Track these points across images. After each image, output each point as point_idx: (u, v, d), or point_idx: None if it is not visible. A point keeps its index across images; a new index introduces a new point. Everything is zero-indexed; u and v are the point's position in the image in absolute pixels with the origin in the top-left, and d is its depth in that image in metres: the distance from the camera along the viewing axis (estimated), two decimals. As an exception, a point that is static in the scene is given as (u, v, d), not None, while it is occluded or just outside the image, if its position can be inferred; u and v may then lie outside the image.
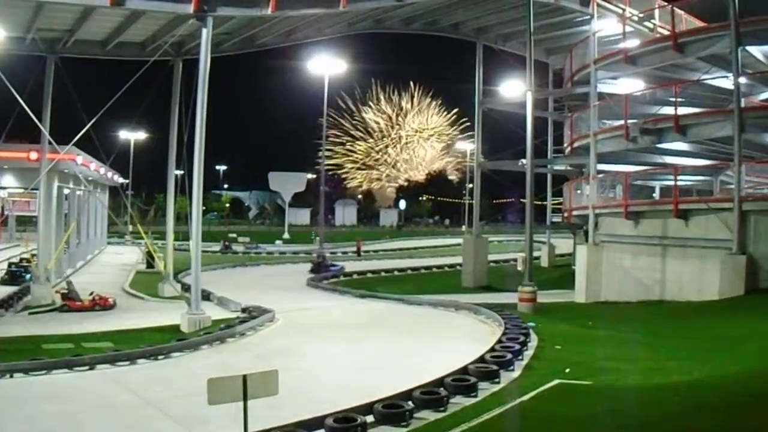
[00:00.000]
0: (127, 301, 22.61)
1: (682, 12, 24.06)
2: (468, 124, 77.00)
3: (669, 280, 20.88)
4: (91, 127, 19.23)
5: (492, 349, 12.84)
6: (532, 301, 20.04)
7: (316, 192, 62.06)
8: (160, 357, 13.30)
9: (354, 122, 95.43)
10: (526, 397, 10.10)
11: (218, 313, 18.94)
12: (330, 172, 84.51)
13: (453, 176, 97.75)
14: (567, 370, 11.68)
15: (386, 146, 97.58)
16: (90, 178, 32.59)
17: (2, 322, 18.12)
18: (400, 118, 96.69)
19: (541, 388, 10.51)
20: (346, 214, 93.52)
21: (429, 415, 9.45)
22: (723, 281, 18.25)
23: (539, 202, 32.75)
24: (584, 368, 11.91)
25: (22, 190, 31.78)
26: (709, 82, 22.69)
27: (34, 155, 23.52)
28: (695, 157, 24.99)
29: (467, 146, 67.50)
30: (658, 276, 21.20)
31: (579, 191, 27.69)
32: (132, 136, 52.44)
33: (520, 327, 15.24)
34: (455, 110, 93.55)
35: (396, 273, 34.20)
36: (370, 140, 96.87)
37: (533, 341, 14.36)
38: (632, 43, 24.12)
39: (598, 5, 25.28)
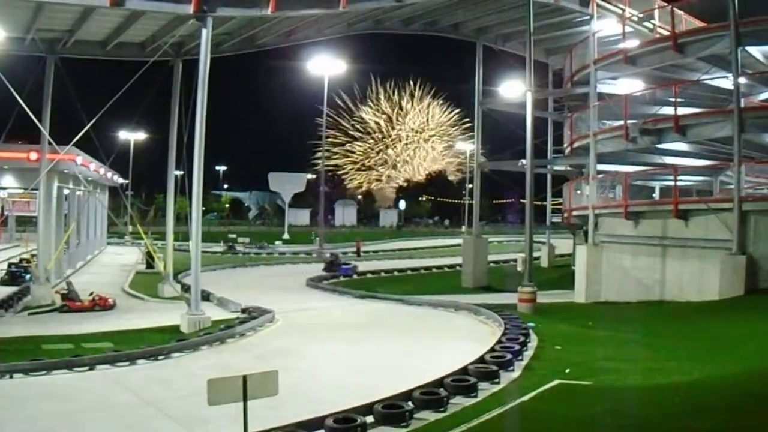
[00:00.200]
0: (126, 302, 22.61)
1: (682, 12, 24.06)
2: (470, 124, 76.77)
3: (669, 280, 20.88)
4: (91, 127, 19.22)
5: (492, 350, 12.84)
6: (531, 301, 20.04)
7: (316, 192, 62.09)
8: (160, 357, 13.30)
9: (353, 123, 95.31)
10: (526, 398, 10.09)
11: (218, 313, 18.94)
12: (329, 173, 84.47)
13: (453, 177, 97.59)
14: (567, 371, 11.68)
15: (386, 147, 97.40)
16: (90, 179, 32.59)
17: (2, 322, 18.13)
18: (399, 118, 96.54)
19: (541, 389, 10.51)
20: (345, 215, 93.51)
21: (429, 416, 9.44)
22: (723, 281, 18.25)
23: (539, 203, 32.78)
24: (584, 368, 11.90)
25: (21, 191, 31.77)
26: (709, 82, 22.69)
27: (33, 155, 23.51)
28: (695, 157, 25.00)
29: (467, 146, 67.52)
30: (658, 276, 21.20)
31: (579, 191, 27.69)
32: (132, 136, 52.50)
33: (519, 327, 15.24)
34: (456, 111, 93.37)
35: (396, 273, 34.21)
36: (370, 140, 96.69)
37: (533, 341, 14.36)
38: (632, 44, 24.12)
39: (598, 5, 25.28)
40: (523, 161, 24.30)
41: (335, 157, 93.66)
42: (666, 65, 22.83)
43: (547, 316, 18.87)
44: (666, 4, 25.84)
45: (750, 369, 10.78)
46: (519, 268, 29.96)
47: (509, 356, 12.25)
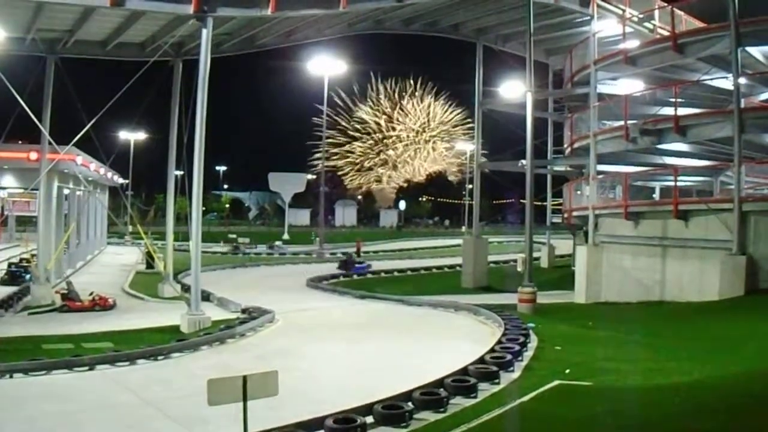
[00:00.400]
0: (126, 302, 22.61)
1: (682, 12, 24.06)
2: (471, 125, 76.68)
3: (669, 280, 20.88)
4: (91, 127, 19.22)
5: (492, 350, 12.84)
6: (531, 301, 20.04)
7: (316, 192, 62.07)
8: (159, 357, 13.30)
9: (353, 123, 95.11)
10: (525, 398, 10.09)
11: (218, 313, 18.94)
12: (329, 174, 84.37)
13: (453, 177, 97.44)
14: (567, 371, 11.67)
15: (386, 147, 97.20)
16: (90, 179, 32.59)
17: (2, 322, 18.13)
18: (400, 118, 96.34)
19: (541, 389, 10.50)
20: (346, 215, 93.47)
21: (429, 416, 9.44)
22: (723, 282, 18.25)
23: (539, 203, 32.79)
24: (584, 369, 11.90)
25: (22, 191, 31.77)
26: (709, 82, 22.69)
27: (34, 155, 23.52)
28: (695, 157, 25.00)
29: (468, 147, 67.48)
30: (658, 276, 21.20)
31: (579, 192, 27.69)
32: (132, 136, 52.49)
33: (519, 328, 15.23)
34: (460, 110, 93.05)
35: (396, 274, 34.24)
36: (370, 141, 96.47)
37: (533, 342, 14.36)
38: (632, 44, 24.11)
39: (598, 6, 25.28)
40: (523, 162, 24.30)
41: (335, 157, 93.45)
42: (666, 66, 22.83)
43: (547, 316, 18.87)
44: (666, 4, 25.84)
45: (750, 369, 10.78)
46: (519, 269, 29.95)
47: (509, 357, 12.25)
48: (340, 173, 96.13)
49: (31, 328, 16.92)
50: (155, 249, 27.47)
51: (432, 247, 53.68)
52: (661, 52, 22.37)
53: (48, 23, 19.59)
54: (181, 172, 23.19)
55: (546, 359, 12.92)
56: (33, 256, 24.65)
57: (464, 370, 11.27)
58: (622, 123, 22.95)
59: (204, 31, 16.69)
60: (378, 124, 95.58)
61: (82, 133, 19.34)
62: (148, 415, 9.72)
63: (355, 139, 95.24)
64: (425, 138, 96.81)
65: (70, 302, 20.25)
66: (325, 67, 43.00)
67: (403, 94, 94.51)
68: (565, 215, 29.89)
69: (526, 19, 22.48)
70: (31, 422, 9.31)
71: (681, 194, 22.02)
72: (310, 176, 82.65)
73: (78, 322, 17.86)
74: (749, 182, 22.05)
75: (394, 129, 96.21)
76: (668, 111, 22.24)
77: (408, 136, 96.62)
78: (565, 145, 29.64)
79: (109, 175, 38.23)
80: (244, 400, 6.94)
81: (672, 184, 22.70)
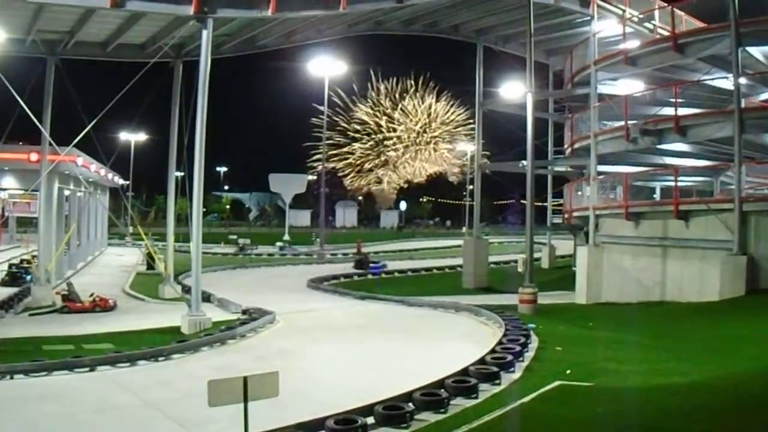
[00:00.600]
0: (127, 303, 22.61)
1: (682, 13, 24.07)
2: (474, 126, 76.58)
3: (669, 281, 20.88)
4: (92, 128, 19.23)
5: (492, 351, 12.82)
6: (532, 302, 20.03)
7: (317, 193, 62.08)
8: (160, 358, 13.29)
9: (352, 124, 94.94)
10: (526, 399, 10.08)
11: (219, 314, 18.92)
12: (329, 175, 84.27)
13: (453, 178, 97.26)
14: (568, 372, 11.66)
15: (386, 148, 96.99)
16: (90, 180, 32.60)
17: (2, 323, 18.12)
18: (401, 119, 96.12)
19: (542, 390, 10.49)
20: (346, 216, 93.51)
21: (429, 417, 9.43)
22: (723, 282, 18.25)
23: (540, 203, 32.80)
24: (585, 369, 11.89)
25: (22, 192, 31.78)
26: (709, 82, 22.71)
27: (34, 157, 23.51)
28: (695, 157, 25.00)
29: (468, 147, 67.40)
30: (659, 277, 21.19)
31: (579, 192, 27.70)
32: (132, 137, 52.50)
33: (520, 328, 15.22)
34: (463, 109, 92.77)
35: (396, 274, 34.24)
36: (370, 142, 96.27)
37: (534, 342, 14.33)
38: (632, 44, 24.12)
39: (598, 6, 25.29)
40: (524, 162, 24.29)
41: (334, 159, 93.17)
42: (666, 66, 22.84)
43: (548, 317, 18.86)
44: (666, 4, 25.86)
45: (751, 370, 10.77)
46: (520, 269, 30.00)
47: (510, 357, 12.23)
48: (340, 174, 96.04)
49: (31, 329, 16.91)
50: (156, 250, 27.48)
51: (433, 248, 53.68)
52: (661, 53, 22.38)
53: (48, 24, 19.60)
54: (182, 173, 23.20)
55: (547, 360, 12.91)
56: (33, 257, 24.66)
57: (465, 371, 11.26)
58: (622, 123, 22.96)
59: (204, 32, 16.68)
60: (378, 125, 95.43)
61: (82, 134, 19.35)
62: (149, 416, 9.71)
63: (355, 140, 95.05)
64: (426, 139, 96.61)
65: (70, 303, 20.25)
66: (325, 67, 43.03)
67: (404, 94, 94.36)
68: (566, 216, 29.90)
69: (526, 19, 22.48)
70: (32, 423, 9.31)
71: (681, 194, 22.02)
72: (310, 177, 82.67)
73: (78, 323, 17.85)
74: (750, 182, 22.08)
75: (394, 130, 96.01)
76: (668, 111, 22.26)
77: (409, 137, 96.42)
78: (566, 146, 29.65)
79: (110, 176, 38.25)
80: (245, 401, 6.94)
81: (672, 184, 22.69)
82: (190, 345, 14.27)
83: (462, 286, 28.36)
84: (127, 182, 54.58)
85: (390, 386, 10.33)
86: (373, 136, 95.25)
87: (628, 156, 24.52)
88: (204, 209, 28.08)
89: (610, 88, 25.32)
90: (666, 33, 24.27)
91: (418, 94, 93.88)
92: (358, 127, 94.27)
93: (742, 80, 20.50)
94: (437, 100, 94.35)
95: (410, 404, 9.49)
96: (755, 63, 21.70)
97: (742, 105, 19.91)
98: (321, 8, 18.70)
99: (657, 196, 28.85)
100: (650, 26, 26.25)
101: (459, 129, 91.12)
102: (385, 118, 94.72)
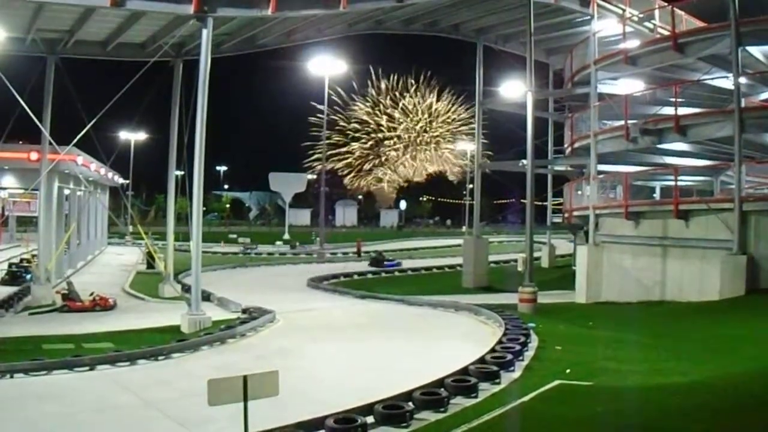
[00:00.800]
0: (127, 302, 22.62)
1: (683, 12, 24.06)
2: (472, 125, 76.41)
3: (669, 280, 20.88)
4: (92, 127, 19.23)
5: (492, 350, 12.82)
6: (532, 301, 20.03)
7: (317, 192, 62.04)
8: (160, 358, 13.29)
9: (352, 124, 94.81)
10: (526, 398, 10.08)
11: (218, 313, 18.93)
12: (329, 174, 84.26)
13: (453, 177, 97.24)
14: (567, 371, 11.67)
15: (386, 148, 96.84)
16: (90, 179, 32.61)
17: (2, 322, 18.13)
18: (401, 119, 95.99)
19: (542, 389, 10.50)
20: (346, 215, 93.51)
21: (429, 416, 9.43)
22: (723, 282, 18.25)
23: (540, 203, 32.79)
24: (585, 369, 11.89)
25: (22, 191, 31.79)
26: (710, 82, 22.70)
27: (34, 156, 23.52)
28: (695, 157, 24.99)
29: (468, 146, 67.39)
30: (659, 276, 21.19)
31: (579, 192, 27.69)
32: (132, 136, 52.52)
33: (520, 328, 15.22)
34: (463, 111, 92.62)
35: (396, 274, 34.28)
36: (370, 142, 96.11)
37: (534, 342, 14.34)
38: (632, 44, 24.11)
39: (599, 6, 25.28)
40: (524, 161, 24.29)
41: (333, 159, 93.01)
42: (666, 65, 22.83)
43: (548, 316, 18.86)
44: (666, 4, 25.85)
45: (750, 369, 10.77)
46: (519, 269, 29.99)
47: (510, 356, 12.24)
48: (339, 174, 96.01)
49: (31, 328, 16.91)
50: (156, 249, 27.48)
51: (432, 247, 53.69)
52: (661, 52, 22.36)
53: (48, 23, 19.59)
54: (182, 172, 23.19)
55: (546, 359, 12.91)
56: (33, 256, 24.67)
57: (465, 370, 11.26)
58: (622, 123, 22.95)
59: (204, 32, 16.68)
60: (378, 124, 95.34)
61: (82, 133, 19.35)
62: (149, 415, 9.71)
63: (355, 140, 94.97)
64: (427, 139, 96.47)
65: (70, 302, 20.26)
66: (325, 66, 43.02)
67: (405, 93, 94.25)
68: (566, 215, 29.90)
69: (526, 18, 22.48)
70: (31, 422, 9.31)
71: (681, 194, 22.01)
72: (310, 176, 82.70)
73: (78, 322, 17.85)
74: (750, 182, 22.08)
75: (395, 129, 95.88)
76: (668, 111, 22.25)
77: (409, 138, 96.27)
78: (566, 145, 29.64)
79: (110, 175, 38.25)
80: (245, 400, 6.94)
81: (672, 183, 22.69)
82: (190, 344, 14.27)
83: (462, 286, 28.36)
84: (127, 181, 54.67)
85: (390, 385, 10.33)
86: (372, 135, 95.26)
87: (628, 155, 24.51)
88: (204, 208, 28.07)
89: (610, 88, 25.31)
90: (666, 32, 24.26)
91: (418, 94, 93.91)
92: (358, 126, 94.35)
93: (742, 80, 20.48)
94: (438, 99, 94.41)
95: (410, 403, 9.49)
96: (755, 63, 21.69)
97: (742, 105, 19.89)
98: (321, 7, 18.70)
99: (657, 195, 28.85)
100: (650, 26, 26.24)
101: (461, 128, 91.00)
102: (385, 117, 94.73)
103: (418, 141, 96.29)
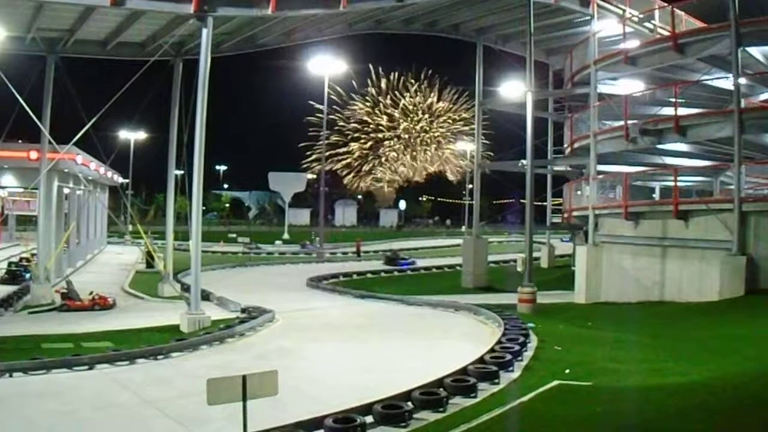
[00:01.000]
0: (126, 301, 22.62)
1: (682, 13, 24.07)
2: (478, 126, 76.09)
3: (669, 280, 20.89)
4: (91, 126, 19.24)
5: (491, 350, 12.83)
6: (531, 301, 20.04)
7: (316, 192, 62.04)
8: (159, 357, 13.30)
9: (352, 124, 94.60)
10: (525, 398, 10.09)
11: (218, 313, 18.94)
12: (328, 174, 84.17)
13: (453, 176, 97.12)
14: (567, 371, 11.67)
15: (386, 148, 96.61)
16: (90, 178, 32.59)
17: (2, 321, 18.15)
18: (401, 119, 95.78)
19: (541, 389, 10.50)
20: (346, 215, 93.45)
21: (428, 416, 9.44)
22: (723, 282, 18.26)
23: (539, 203, 32.79)
24: (584, 369, 11.90)
25: (22, 190, 31.79)
26: (709, 82, 22.70)
27: (34, 155, 23.55)
28: (695, 157, 25.00)
29: (468, 146, 67.34)
30: (658, 277, 21.21)
31: (579, 192, 27.70)
32: (132, 135, 52.49)
33: (519, 328, 15.22)
34: (464, 110, 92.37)
35: (396, 273, 34.27)
36: (369, 142, 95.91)
37: (533, 342, 14.34)
38: (632, 44, 24.11)
39: (599, 6, 25.28)
40: (524, 162, 24.30)
41: (332, 160, 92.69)
42: (666, 66, 22.84)
43: (547, 316, 18.87)
44: (666, 4, 25.85)
45: (750, 370, 10.78)
46: (519, 269, 30.01)
47: (509, 356, 12.24)
48: (339, 174, 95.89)
49: (30, 327, 16.91)
50: (155, 248, 27.47)
51: (432, 247, 53.70)
52: (661, 52, 22.37)
53: (48, 22, 19.58)
54: (181, 172, 23.19)
55: (546, 359, 12.91)
56: (33, 255, 24.67)
57: (464, 370, 11.27)
58: (622, 123, 22.94)
59: (204, 31, 16.69)
60: (378, 124, 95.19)
61: (82, 132, 19.36)
62: (148, 414, 9.71)
63: (354, 140, 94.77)
64: (427, 139, 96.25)
65: (69, 301, 20.26)
66: (325, 66, 43.03)
67: (405, 93, 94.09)
68: (565, 215, 29.90)
69: (526, 18, 22.48)
70: (31, 421, 9.31)
71: (681, 194, 22.02)
72: (310, 176, 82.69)
73: (78, 321, 17.85)
74: (749, 182, 22.08)
75: (395, 129, 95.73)
76: (668, 111, 22.25)
77: (409, 138, 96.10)
78: (565, 145, 29.64)
79: (109, 174, 38.25)
80: (244, 399, 6.94)
81: (672, 184, 22.70)
82: (189, 343, 14.26)
83: (461, 285, 28.38)
84: (127, 180, 54.62)
85: (389, 385, 10.34)
86: (372, 135, 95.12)
87: (627, 156, 24.51)
88: (203, 208, 28.06)
89: (610, 88, 25.32)
90: (666, 33, 24.27)
91: (419, 94, 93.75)
92: (357, 126, 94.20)
93: (742, 80, 20.49)
94: (439, 99, 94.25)
95: (409, 403, 9.49)
96: (755, 63, 21.71)
97: (742, 105, 19.91)
98: (321, 7, 18.71)
99: (656, 196, 28.85)
100: (650, 26, 26.24)
101: (463, 128, 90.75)
102: (385, 116, 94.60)
103: (418, 141, 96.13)
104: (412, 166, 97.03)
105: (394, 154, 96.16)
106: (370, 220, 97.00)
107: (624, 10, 26.28)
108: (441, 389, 10.21)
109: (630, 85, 25.38)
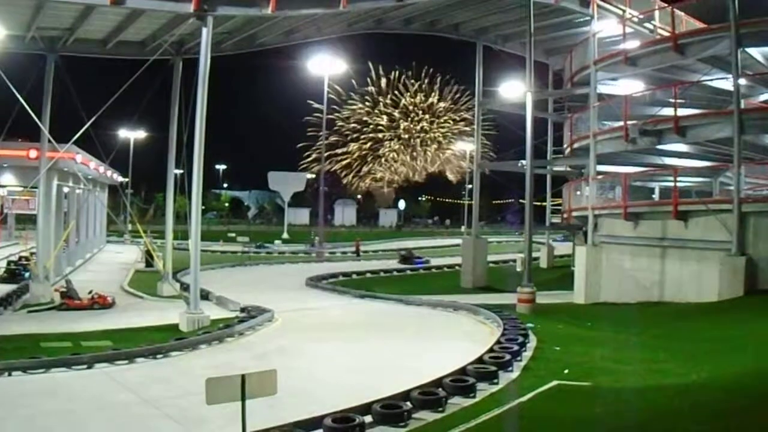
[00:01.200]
0: (125, 300, 22.59)
1: (682, 13, 24.07)
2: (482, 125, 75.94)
3: (668, 281, 20.89)
4: (91, 125, 19.22)
5: (490, 350, 12.84)
6: (531, 301, 20.03)
7: (316, 192, 62.01)
8: (158, 356, 13.31)
9: (352, 125, 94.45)
10: (524, 398, 10.10)
11: (217, 312, 18.94)
12: (327, 174, 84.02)
13: (452, 176, 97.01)
14: (566, 371, 11.68)
15: (386, 149, 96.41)
16: (89, 177, 32.56)
17: (1, 320, 18.13)
18: (402, 119, 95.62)
19: (540, 389, 10.51)
20: (345, 214, 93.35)
21: (427, 416, 9.45)
22: (722, 282, 18.26)
23: (539, 203, 32.79)
24: (583, 369, 11.91)
25: (21, 189, 31.75)
26: (709, 83, 22.71)
27: (33, 153, 23.51)
28: (695, 158, 25.01)
29: (468, 146, 67.29)
30: (658, 277, 21.21)
31: (578, 192, 27.69)
32: (132, 134, 52.46)
33: (518, 328, 15.24)
34: (463, 112, 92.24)
35: (395, 273, 34.26)
36: (369, 142, 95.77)
37: (532, 342, 14.36)
38: (632, 44, 24.11)
39: (599, 6, 25.27)
40: (523, 162, 24.30)
41: (331, 161, 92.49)
42: (666, 66, 22.84)
43: (547, 316, 18.87)
44: (666, 4, 25.85)
45: (749, 370, 10.77)
46: (518, 269, 30.01)
47: (508, 357, 12.25)
48: (338, 174, 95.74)
49: (29, 326, 16.89)
50: (154, 247, 27.45)
51: (431, 247, 53.67)
52: (661, 53, 22.37)
53: (48, 21, 19.55)
54: (181, 171, 23.18)
55: (545, 359, 12.92)
56: (32, 254, 24.64)
57: (463, 370, 11.28)
58: (621, 123, 22.94)
59: (204, 30, 16.68)
60: (378, 124, 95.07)
61: (81, 131, 19.35)
62: (147, 413, 9.72)
63: (353, 140, 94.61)
64: (427, 139, 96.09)
65: (69, 300, 20.24)
66: (325, 66, 43.02)
67: (405, 93, 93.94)
68: (565, 215, 29.90)
69: (526, 19, 22.46)
70: (30, 421, 9.31)
71: (680, 195, 22.03)
72: (309, 175, 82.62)
73: (77, 320, 17.84)
74: (749, 183, 22.08)
75: (395, 129, 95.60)
76: (668, 111, 22.24)
77: (410, 138, 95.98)
78: (565, 146, 29.63)
79: (109, 173, 38.23)
80: (243, 399, 6.94)
81: (671, 184, 22.70)
82: (189, 343, 14.28)
83: (461, 285, 28.37)
84: (126, 179, 54.60)
85: (388, 385, 10.35)
86: (371, 136, 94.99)
87: (627, 156, 24.51)
88: (203, 207, 28.05)
89: (609, 88, 25.33)
90: (666, 33, 24.27)
91: (419, 94, 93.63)
92: (357, 126, 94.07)
93: (742, 81, 20.50)
94: (440, 99, 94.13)
95: (408, 403, 9.50)
96: (755, 64, 21.71)
97: (742, 106, 19.92)
98: (321, 6, 18.71)
99: (656, 196, 28.86)
100: (650, 26, 26.24)
101: (465, 129, 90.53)
102: (385, 116, 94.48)
103: (418, 141, 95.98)
104: (412, 166, 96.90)
105: (394, 154, 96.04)
106: (370, 220, 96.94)
107: (624, 11, 26.27)
108: (440, 389, 10.22)
109: (630, 86, 25.37)
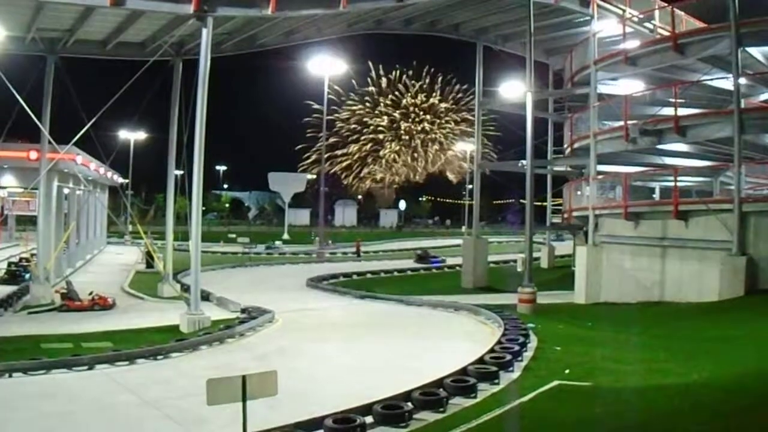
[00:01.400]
0: (126, 301, 22.60)
1: (682, 13, 24.06)
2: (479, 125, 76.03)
3: (669, 281, 20.88)
4: (91, 126, 19.23)
5: (491, 350, 12.83)
6: (531, 302, 20.02)
7: (316, 192, 61.99)
8: (159, 357, 13.31)
9: (352, 124, 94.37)
10: (525, 398, 10.09)
11: (218, 313, 18.93)
12: (327, 174, 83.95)
13: (453, 176, 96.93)
14: (566, 371, 11.67)
15: (386, 149, 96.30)
16: (90, 178, 32.58)
17: (1, 321, 18.15)
18: (403, 119, 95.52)
19: (541, 389, 10.51)
20: (345, 215, 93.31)
21: (428, 416, 9.44)
22: (723, 282, 18.25)
23: (539, 203, 32.79)
24: (584, 369, 11.90)
25: (21, 190, 31.78)
26: (709, 83, 22.71)
27: (33, 155, 23.53)
28: (695, 158, 24.99)
29: (468, 147, 67.27)
30: (658, 277, 21.20)
31: (579, 192, 27.68)
32: (132, 135, 52.45)
33: (519, 328, 15.23)
34: (463, 111, 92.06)
35: (396, 273, 34.24)
36: (369, 143, 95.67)
37: (533, 342, 14.34)
38: (632, 44, 24.10)
39: (599, 6, 25.27)
40: (524, 162, 24.28)
41: (331, 161, 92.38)
42: (666, 66, 22.84)
43: (547, 316, 18.85)
44: (666, 4, 25.85)
45: (750, 370, 10.77)
46: (519, 269, 30.01)
47: (509, 357, 12.25)
48: (338, 174, 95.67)
49: (30, 327, 16.91)
50: (155, 248, 27.46)
51: (432, 247, 53.60)
52: (661, 53, 22.37)
53: (48, 22, 19.57)
54: (181, 172, 23.18)
55: (545, 359, 12.91)
56: (33, 255, 24.65)
57: (464, 370, 11.27)
58: (622, 123, 22.93)
59: (204, 31, 16.69)
60: (378, 125, 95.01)
61: (82, 132, 19.35)
62: (148, 414, 9.71)
63: (353, 141, 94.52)
64: (428, 140, 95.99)
65: (69, 301, 20.25)
66: (325, 66, 43.02)
67: (405, 93, 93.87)
68: (566, 215, 29.89)
69: (526, 19, 22.46)
70: (30, 422, 9.31)
71: (681, 195, 22.02)
72: (309, 176, 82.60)
73: (77, 321, 17.85)
74: (749, 183, 22.07)
75: (395, 129, 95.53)
76: (668, 111, 22.24)
77: (410, 138, 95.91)
78: (565, 146, 29.63)
79: (109, 174, 38.25)
80: (243, 400, 6.94)
81: (672, 184, 22.69)
82: (189, 344, 14.27)
83: (461, 286, 28.36)
84: (127, 180, 54.59)
85: (389, 385, 10.34)
86: (372, 137, 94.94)
87: (627, 156, 24.50)
88: (203, 208, 28.04)
89: (609, 88, 25.32)
90: (666, 33, 24.26)
91: (419, 95, 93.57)
92: (357, 127, 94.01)
93: (742, 81, 20.49)
94: (441, 100, 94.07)
95: (409, 403, 9.49)
96: (755, 63, 21.70)
97: (742, 105, 19.90)
98: (321, 7, 18.71)
99: (656, 196, 28.85)
100: (650, 26, 26.23)
101: (466, 129, 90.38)
102: (385, 117, 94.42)
103: (419, 142, 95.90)
104: (413, 167, 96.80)
105: (395, 155, 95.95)
106: (370, 220, 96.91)
107: (624, 11, 26.27)
108: (441, 389, 10.21)
109: (630, 86, 25.36)
